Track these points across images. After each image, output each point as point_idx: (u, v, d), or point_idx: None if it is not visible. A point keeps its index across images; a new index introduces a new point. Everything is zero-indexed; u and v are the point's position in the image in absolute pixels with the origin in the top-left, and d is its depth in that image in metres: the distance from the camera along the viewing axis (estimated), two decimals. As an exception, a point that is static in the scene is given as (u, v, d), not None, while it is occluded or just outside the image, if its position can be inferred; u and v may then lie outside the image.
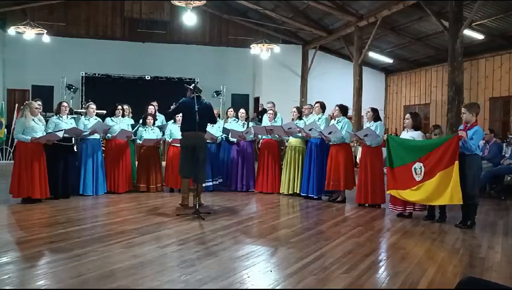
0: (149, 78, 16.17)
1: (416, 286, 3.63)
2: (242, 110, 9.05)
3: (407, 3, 11.52)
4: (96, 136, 7.86)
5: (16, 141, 7.33)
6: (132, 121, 8.55)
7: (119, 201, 7.39)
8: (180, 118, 7.38)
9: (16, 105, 13.37)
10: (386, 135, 6.86)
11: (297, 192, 8.12)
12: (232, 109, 9.18)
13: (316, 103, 8.23)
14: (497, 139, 9.51)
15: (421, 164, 6.04)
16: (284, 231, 5.49)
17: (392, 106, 18.54)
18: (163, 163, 9.08)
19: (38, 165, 6.83)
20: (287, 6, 15.04)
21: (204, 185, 7.96)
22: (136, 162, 8.60)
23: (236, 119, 8.92)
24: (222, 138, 8.70)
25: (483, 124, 11.77)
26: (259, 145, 9.15)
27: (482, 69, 13.85)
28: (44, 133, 6.99)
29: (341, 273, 3.88)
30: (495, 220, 6.48)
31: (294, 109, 8.43)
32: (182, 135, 6.87)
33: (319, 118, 7.97)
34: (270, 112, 8.75)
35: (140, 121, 8.63)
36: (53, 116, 7.79)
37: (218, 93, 16.68)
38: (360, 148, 8.19)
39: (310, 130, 7.70)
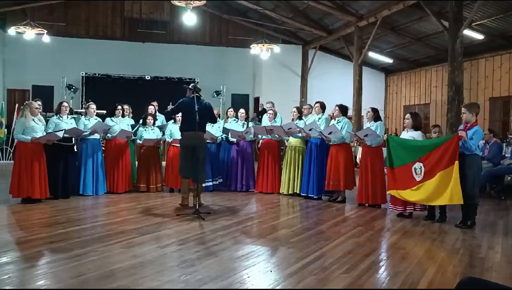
0: (149, 78, 16.17)
1: (416, 286, 3.63)
2: (242, 110, 9.06)
3: (407, 3, 11.52)
4: (96, 136, 7.86)
5: (16, 141, 7.32)
6: (132, 121, 8.55)
7: (119, 201, 7.39)
8: (181, 118, 7.39)
9: (16, 105, 13.36)
10: (386, 135, 6.86)
11: (297, 192, 8.12)
12: (232, 109, 9.18)
13: (316, 103, 8.23)
14: (497, 139, 9.51)
15: (421, 164, 6.04)
16: (284, 231, 5.49)
17: (392, 106, 18.54)
18: (163, 163, 9.08)
19: (38, 165, 6.83)
20: (287, 6, 15.04)
21: (204, 185, 7.97)
22: (136, 162, 8.60)
23: (236, 119, 8.92)
24: (222, 138, 8.70)
25: (483, 124, 11.77)
26: (259, 145, 9.16)
27: (482, 69, 13.85)
28: (44, 133, 6.99)
29: (341, 273, 3.88)
30: (495, 220, 6.48)
31: (294, 109, 8.44)
32: (181, 135, 6.86)
33: (319, 118, 7.97)
34: (270, 112, 8.75)
35: (141, 121, 8.63)
36: (53, 116, 7.79)
37: (218, 93, 16.68)
38: (360, 148, 8.20)
39: (310, 130, 7.70)
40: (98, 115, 8.29)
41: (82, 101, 15.10)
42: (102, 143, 8.26)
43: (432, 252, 4.68)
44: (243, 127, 8.72)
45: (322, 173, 7.72)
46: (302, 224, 6.10)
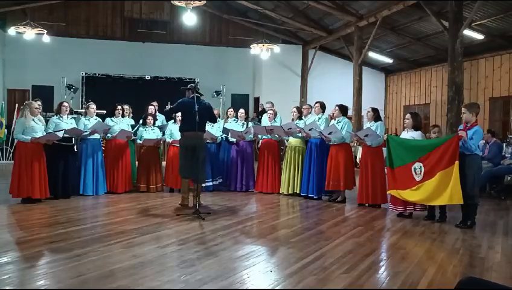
0: (149, 78, 16.17)
1: (416, 286, 3.63)
2: (241, 110, 9.06)
3: (407, 3, 11.52)
4: (97, 136, 7.86)
5: (15, 141, 7.32)
6: (132, 121, 8.55)
7: (119, 201, 7.39)
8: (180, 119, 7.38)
9: (16, 105, 13.36)
10: (386, 135, 6.86)
11: (297, 192, 8.12)
12: (232, 109, 9.18)
13: (316, 103, 8.23)
14: (497, 139, 9.52)
15: (421, 164, 6.04)
16: (284, 231, 5.49)
17: (392, 106, 18.54)
18: (163, 163, 9.08)
19: (38, 165, 6.83)
20: (287, 6, 15.04)
21: (204, 185, 7.97)
22: (136, 162, 8.60)
23: (236, 119, 8.92)
24: (222, 138, 8.71)
25: (483, 124, 11.77)
26: (259, 145, 9.16)
27: (482, 69, 13.85)
28: (44, 133, 6.99)
29: (341, 273, 3.88)
30: (495, 220, 6.48)
31: (294, 109, 8.44)
32: (181, 135, 6.86)
33: (319, 118, 7.97)
34: (270, 112, 8.75)
35: (141, 121, 8.63)
36: (53, 116, 7.79)
37: (218, 93, 16.68)
38: (360, 148, 8.20)
39: (310, 130, 7.70)
40: (98, 115, 8.29)
41: (82, 101, 15.10)
42: (102, 143, 8.26)
43: (432, 252, 4.69)
44: (243, 127, 8.73)
45: (322, 173, 7.72)
46: (302, 224, 6.10)
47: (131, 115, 8.74)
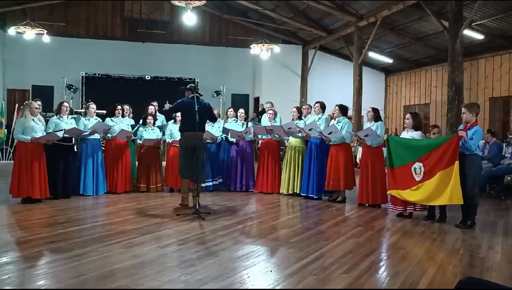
0: (149, 78, 16.17)
1: (416, 286, 3.63)
2: (241, 110, 9.06)
3: (407, 3, 11.52)
4: (97, 136, 7.86)
5: (15, 141, 7.32)
6: (132, 121, 8.55)
7: (119, 201, 7.39)
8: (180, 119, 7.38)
9: (16, 105, 13.36)
10: (386, 135, 6.86)
11: (297, 192, 8.12)
12: (232, 109, 9.18)
13: (316, 103, 8.23)
14: (497, 139, 9.52)
15: (421, 164, 6.04)
16: (284, 231, 5.49)
17: (392, 106, 18.54)
18: (163, 163, 9.08)
19: (38, 165, 6.83)
20: (287, 6, 15.04)
21: (204, 185, 7.97)
22: (136, 162, 8.60)
23: (236, 119, 8.92)
24: (222, 138, 8.71)
25: (483, 124, 11.77)
26: (259, 145, 9.16)
27: (482, 69, 13.85)
28: (44, 133, 6.99)
29: (341, 273, 3.88)
30: (495, 220, 6.48)
31: (294, 109, 8.44)
32: (181, 135, 6.85)
33: (319, 118, 7.97)
34: (270, 112, 8.75)
35: (141, 121, 8.63)
36: (53, 116, 7.79)
37: (218, 93, 16.69)
38: (360, 148, 8.20)
39: (310, 130, 7.70)
40: (98, 115, 8.29)
41: (82, 101, 15.11)
42: (102, 143, 8.26)
43: (432, 252, 4.68)
44: (243, 127, 8.73)
45: (322, 173, 7.72)
46: (302, 224, 6.10)
47: (131, 115, 8.74)
